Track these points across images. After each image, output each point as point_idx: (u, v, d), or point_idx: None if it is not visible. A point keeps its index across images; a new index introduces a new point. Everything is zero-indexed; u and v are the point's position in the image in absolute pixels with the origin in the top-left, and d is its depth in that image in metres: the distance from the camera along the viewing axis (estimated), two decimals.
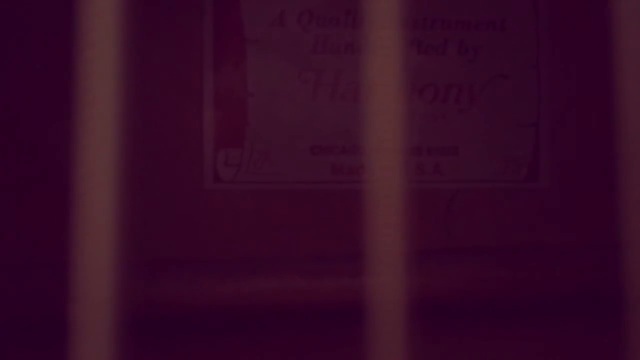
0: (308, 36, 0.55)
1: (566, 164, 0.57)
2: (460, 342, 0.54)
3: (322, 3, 0.55)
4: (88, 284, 0.15)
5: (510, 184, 0.56)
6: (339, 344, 0.52)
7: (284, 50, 0.55)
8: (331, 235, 0.54)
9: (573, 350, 0.55)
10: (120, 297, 0.15)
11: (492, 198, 0.56)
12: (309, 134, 0.54)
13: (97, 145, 0.14)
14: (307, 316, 0.51)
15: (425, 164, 0.55)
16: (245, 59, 0.54)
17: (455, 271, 0.51)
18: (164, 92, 0.53)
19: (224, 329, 0.52)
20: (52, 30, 0.52)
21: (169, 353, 0.51)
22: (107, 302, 0.14)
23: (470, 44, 0.56)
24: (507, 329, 0.54)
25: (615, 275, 0.50)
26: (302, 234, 0.54)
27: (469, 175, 0.56)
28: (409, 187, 0.16)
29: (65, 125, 0.49)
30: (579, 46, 0.57)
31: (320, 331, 0.53)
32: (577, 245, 0.56)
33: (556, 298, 0.53)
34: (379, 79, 0.14)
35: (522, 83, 0.57)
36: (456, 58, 0.56)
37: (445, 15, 0.56)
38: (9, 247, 0.50)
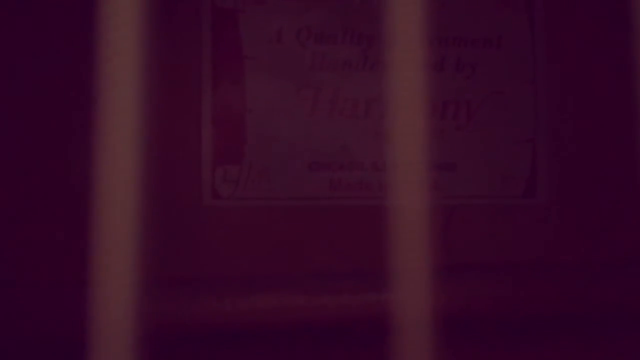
0: (306, 53, 0.55)
1: (563, 179, 0.57)
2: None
3: (320, 20, 0.55)
4: (99, 305, 0.15)
5: (508, 200, 0.56)
6: None
7: (282, 67, 0.55)
8: (330, 251, 0.53)
9: None
10: (130, 316, 0.15)
11: (490, 214, 0.56)
12: (307, 150, 0.54)
13: (115, 167, 0.14)
14: (306, 333, 0.51)
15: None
16: (243, 76, 0.54)
17: (453, 287, 0.51)
18: (162, 109, 0.53)
19: (223, 346, 0.51)
20: (66, 47, 0.52)
21: None
22: (121, 322, 0.14)
23: (467, 61, 0.57)
24: (509, 345, 0.54)
25: (614, 290, 0.50)
26: (300, 250, 0.54)
27: (467, 191, 0.56)
28: (422, 205, 0.16)
29: (79, 140, 0.49)
30: (574, 62, 0.58)
31: (320, 348, 0.52)
32: (575, 260, 0.56)
33: (556, 314, 0.53)
34: (398, 98, 0.14)
35: (518, 99, 0.57)
36: (453, 75, 0.56)
37: (442, 32, 0.57)
38: (17, 266, 0.50)
